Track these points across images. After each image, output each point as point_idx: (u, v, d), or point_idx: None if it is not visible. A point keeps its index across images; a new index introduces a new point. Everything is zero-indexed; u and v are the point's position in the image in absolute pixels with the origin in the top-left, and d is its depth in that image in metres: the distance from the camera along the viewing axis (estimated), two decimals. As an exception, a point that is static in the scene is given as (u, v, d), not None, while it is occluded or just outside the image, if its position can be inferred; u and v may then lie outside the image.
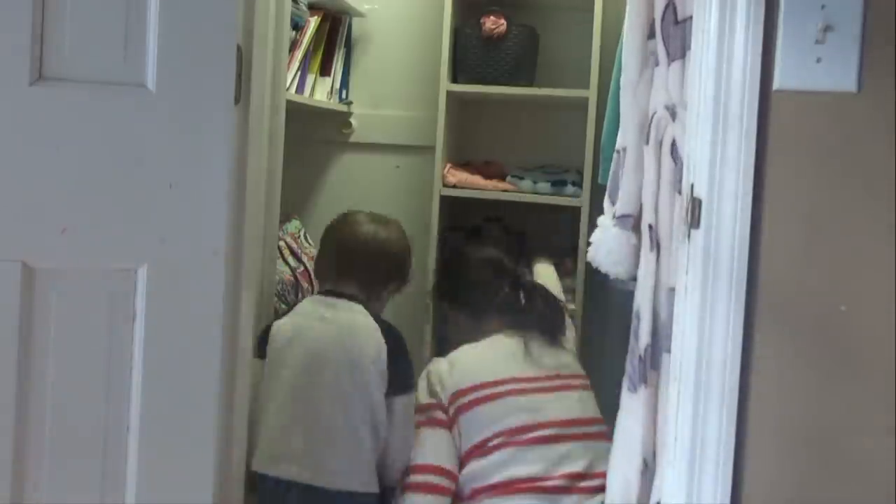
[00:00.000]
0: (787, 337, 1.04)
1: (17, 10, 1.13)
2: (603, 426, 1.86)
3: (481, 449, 1.82)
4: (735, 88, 1.04)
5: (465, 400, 1.86)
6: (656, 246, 1.27)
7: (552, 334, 2.03)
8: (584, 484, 1.76)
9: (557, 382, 1.92)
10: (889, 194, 1.01)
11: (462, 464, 1.84)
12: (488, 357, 1.97)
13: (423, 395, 1.93)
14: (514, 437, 1.81)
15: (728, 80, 1.05)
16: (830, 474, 1.04)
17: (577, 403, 1.90)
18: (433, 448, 1.84)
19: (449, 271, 2.29)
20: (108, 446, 1.21)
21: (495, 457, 1.80)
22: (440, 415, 1.88)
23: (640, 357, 1.30)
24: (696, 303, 1.07)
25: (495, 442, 1.81)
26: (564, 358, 2.01)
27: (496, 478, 1.77)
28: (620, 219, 1.38)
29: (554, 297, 2.16)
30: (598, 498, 1.71)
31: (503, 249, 2.30)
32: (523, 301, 2.06)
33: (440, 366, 1.96)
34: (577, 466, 1.77)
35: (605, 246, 1.39)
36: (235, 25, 1.33)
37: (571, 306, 2.55)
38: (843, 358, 1.03)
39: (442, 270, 2.36)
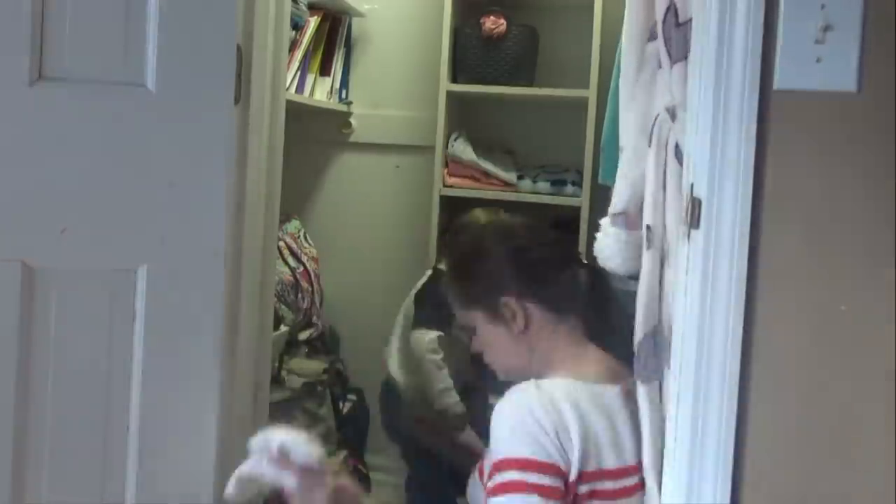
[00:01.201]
0: (787, 337, 1.04)
1: (17, 10, 1.13)
2: None
3: None
4: (735, 88, 1.04)
5: (589, 487, 1.21)
6: (657, 246, 1.28)
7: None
8: None
9: (637, 480, 1.26)
10: (889, 194, 1.00)
11: None
12: (602, 414, 1.26)
13: (521, 444, 1.20)
14: None
15: (728, 80, 1.05)
16: (830, 474, 1.04)
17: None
18: None
19: (494, 247, 1.41)
20: (108, 446, 1.21)
21: None
22: (552, 482, 1.18)
23: (635, 357, 1.30)
24: (696, 303, 1.07)
25: None
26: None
27: None
28: (613, 216, 1.40)
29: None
30: None
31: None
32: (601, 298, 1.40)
33: (541, 410, 1.21)
34: None
35: (599, 243, 1.42)
36: (235, 25, 1.33)
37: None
38: (843, 357, 1.03)
39: (478, 248, 1.43)
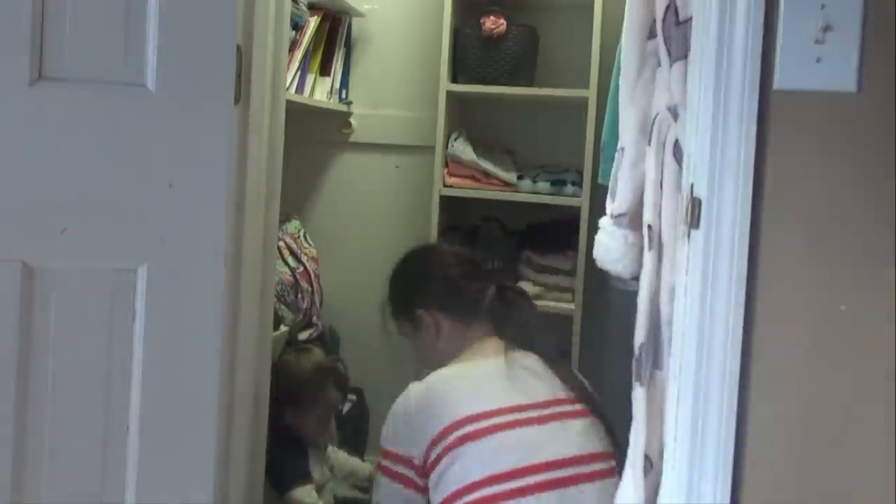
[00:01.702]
0: (787, 337, 1.04)
1: (17, 10, 1.13)
2: (612, 461, 1.55)
3: (469, 497, 1.47)
4: (735, 88, 1.04)
5: (450, 439, 1.51)
6: (656, 246, 1.28)
7: (539, 345, 1.69)
8: None
9: (555, 410, 1.58)
10: (889, 194, 1.00)
11: None
12: (469, 383, 1.61)
13: (389, 439, 1.60)
14: (512, 482, 1.47)
15: (728, 80, 1.05)
16: (830, 474, 1.04)
17: (580, 435, 1.56)
18: (389, 500, 1.59)
19: (418, 270, 1.86)
20: (108, 446, 1.21)
21: None
22: (404, 470, 1.56)
23: (635, 357, 1.30)
24: (696, 303, 1.07)
25: (491, 491, 1.47)
26: (560, 380, 1.64)
27: None
28: (617, 217, 1.39)
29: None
30: None
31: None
32: (510, 304, 1.76)
33: (409, 406, 1.59)
34: None
35: (603, 244, 1.40)
36: (235, 25, 1.33)
37: (570, 305, 2.56)
38: (843, 358, 1.03)
39: (407, 271, 1.88)
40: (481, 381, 1.61)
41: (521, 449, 1.50)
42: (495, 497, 1.46)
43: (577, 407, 1.60)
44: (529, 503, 1.46)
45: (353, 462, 2.34)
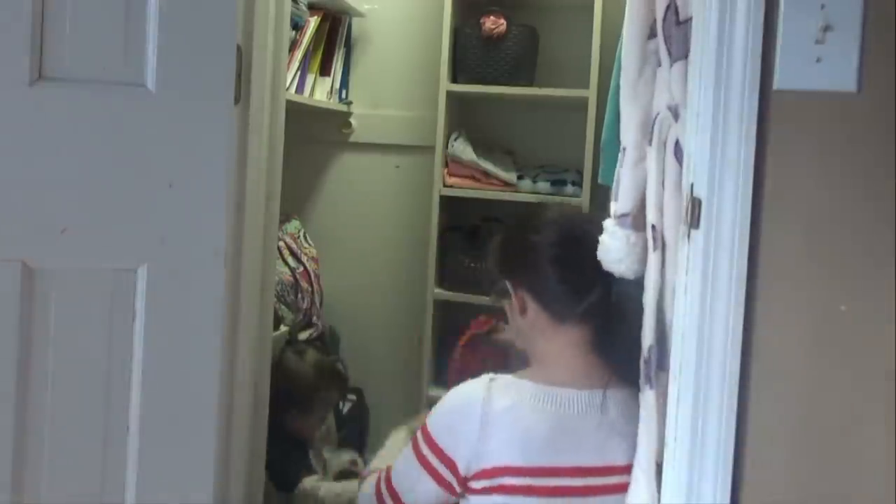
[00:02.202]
0: (787, 337, 1.04)
1: (17, 10, 1.13)
2: None
3: None
4: (735, 88, 1.04)
5: (495, 481, 1.34)
6: (661, 246, 1.27)
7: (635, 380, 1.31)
8: None
9: (618, 480, 1.35)
10: (889, 194, 1.00)
11: None
12: (552, 424, 1.36)
13: (441, 429, 1.40)
14: None
15: (728, 80, 1.05)
16: (830, 474, 1.04)
17: None
18: (408, 479, 1.43)
19: (527, 245, 1.49)
20: (108, 446, 1.21)
21: None
22: (444, 471, 1.37)
23: (644, 359, 1.30)
24: (696, 303, 1.07)
25: None
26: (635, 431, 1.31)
27: None
28: (619, 218, 1.39)
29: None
30: None
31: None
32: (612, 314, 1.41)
33: (472, 410, 1.36)
34: None
35: (605, 245, 1.40)
36: (235, 25, 1.33)
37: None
38: (843, 358, 1.03)
39: (519, 236, 1.55)
40: (566, 427, 1.37)
41: None
42: None
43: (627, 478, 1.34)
44: None
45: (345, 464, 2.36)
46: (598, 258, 1.39)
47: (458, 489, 1.38)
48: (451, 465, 1.37)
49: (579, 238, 1.44)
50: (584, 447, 1.36)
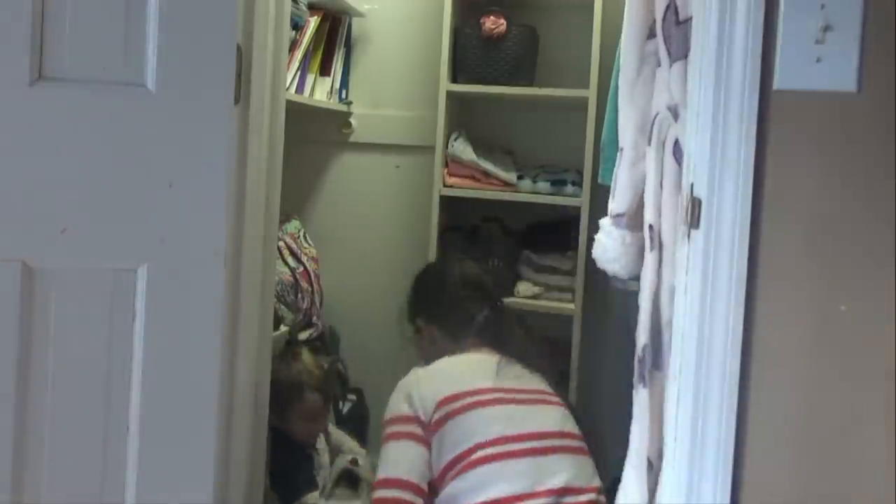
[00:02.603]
0: (787, 337, 1.04)
1: (17, 10, 1.13)
2: (584, 443, 1.77)
3: (462, 463, 1.67)
4: (735, 88, 1.04)
5: (448, 409, 1.72)
6: (657, 246, 1.27)
7: (531, 363, 1.88)
8: (569, 500, 1.64)
9: (538, 396, 1.81)
10: (889, 194, 1.01)
11: (441, 480, 1.69)
12: (465, 367, 1.86)
13: (397, 406, 1.78)
14: (495, 448, 1.67)
15: (728, 80, 1.05)
16: (830, 474, 1.04)
17: (559, 417, 1.78)
18: (397, 461, 1.71)
19: (426, 285, 2.14)
20: (108, 446, 1.21)
21: (478, 472, 1.65)
22: (413, 428, 1.73)
23: (638, 358, 1.30)
24: (696, 303, 1.07)
25: (476, 455, 1.67)
26: (543, 384, 1.85)
27: (485, 496, 1.63)
28: (615, 217, 1.39)
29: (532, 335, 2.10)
30: None
31: (483, 268, 2.24)
32: (501, 326, 1.96)
33: (418, 375, 1.84)
34: (560, 480, 1.65)
35: (601, 244, 1.40)
36: (235, 25, 1.33)
37: (570, 305, 2.56)
38: (843, 358, 1.03)
39: (418, 283, 2.17)
40: (475, 365, 1.86)
41: (504, 420, 1.72)
42: (481, 460, 1.66)
43: (558, 399, 1.84)
44: (509, 465, 1.66)
45: (349, 442, 2.39)
46: (594, 257, 1.40)
47: (426, 437, 1.71)
48: (414, 420, 1.73)
49: (449, 280, 2.08)
50: (493, 375, 1.80)
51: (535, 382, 1.84)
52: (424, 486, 1.69)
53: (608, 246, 1.39)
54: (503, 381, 1.79)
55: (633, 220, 1.38)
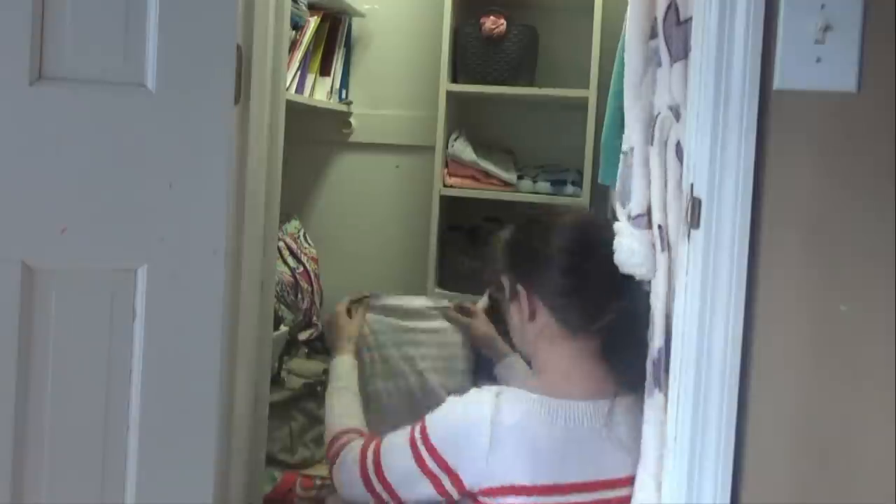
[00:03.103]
0: (787, 337, 1.04)
1: (17, 10, 1.13)
2: None
3: None
4: (735, 88, 1.04)
5: (495, 502, 1.33)
6: (667, 246, 1.27)
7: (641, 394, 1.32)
8: None
9: (617, 494, 1.34)
10: (889, 194, 1.00)
11: None
12: (558, 443, 1.32)
13: (445, 441, 1.35)
14: None
15: (728, 80, 1.05)
16: (830, 475, 1.04)
17: None
18: (406, 487, 1.39)
19: (543, 247, 1.44)
20: (108, 446, 1.21)
21: None
22: (445, 482, 1.35)
23: (653, 361, 1.29)
24: (696, 303, 1.07)
25: None
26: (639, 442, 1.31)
27: None
28: (636, 219, 1.34)
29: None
30: None
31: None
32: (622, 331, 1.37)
33: (480, 425, 1.32)
34: None
35: (626, 247, 1.33)
36: (235, 25, 1.33)
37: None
38: (843, 358, 1.03)
39: (532, 242, 1.47)
40: (575, 442, 1.34)
41: None
42: None
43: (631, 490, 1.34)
44: None
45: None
46: (617, 262, 1.32)
47: (456, 499, 1.36)
48: (454, 478, 1.34)
49: (600, 248, 1.36)
50: (591, 461, 1.34)
51: (631, 461, 1.32)
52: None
53: (635, 249, 1.31)
54: (594, 467, 1.34)
55: (649, 220, 1.34)
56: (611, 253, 1.32)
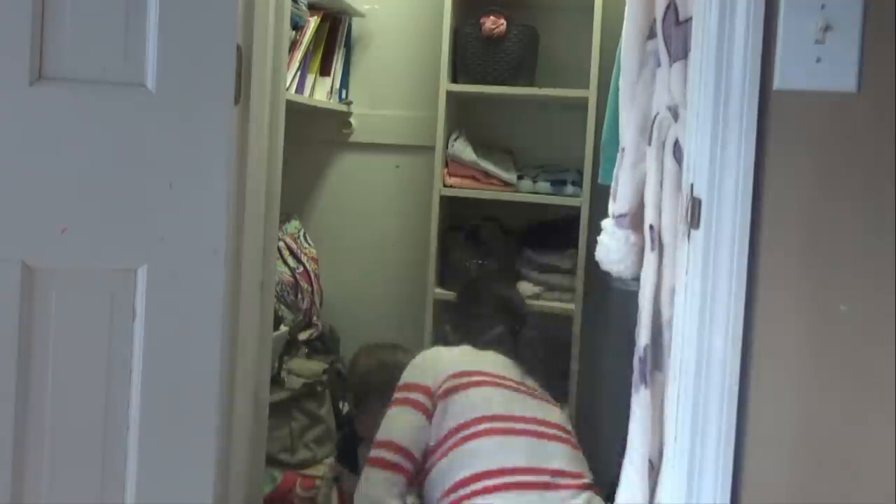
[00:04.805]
0: (787, 337, 1.04)
1: (17, 10, 1.13)
2: (580, 447, 1.86)
3: (463, 433, 1.75)
4: (735, 88, 1.04)
5: (458, 382, 1.82)
6: (658, 246, 1.27)
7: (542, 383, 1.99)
8: (567, 481, 1.71)
9: (545, 398, 1.92)
10: (889, 194, 1.01)
11: (439, 447, 1.76)
12: (488, 357, 1.96)
13: (410, 374, 1.88)
14: (496, 423, 1.76)
15: (728, 80, 1.05)
16: (830, 474, 1.04)
17: (561, 416, 1.89)
18: (398, 427, 1.79)
19: (461, 299, 2.29)
20: (108, 446, 1.21)
21: (479, 443, 1.72)
22: (419, 397, 1.81)
23: (639, 358, 1.30)
24: (696, 303, 1.07)
25: (479, 428, 1.75)
26: (552, 401, 1.95)
27: (483, 466, 1.69)
28: (618, 218, 1.39)
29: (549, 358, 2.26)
30: (584, 496, 1.68)
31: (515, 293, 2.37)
32: (517, 347, 2.06)
33: (440, 351, 1.98)
34: (556, 464, 1.72)
35: (604, 245, 1.40)
36: (235, 25, 1.33)
37: (570, 306, 2.56)
38: (843, 358, 1.03)
39: (457, 297, 2.34)
40: (499, 360, 1.94)
41: (510, 402, 1.81)
42: (482, 433, 1.73)
43: (559, 406, 1.96)
44: (508, 440, 1.73)
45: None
46: (597, 259, 1.39)
47: (429, 408, 1.79)
48: (423, 389, 1.80)
49: (496, 299, 2.20)
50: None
51: (545, 396, 1.92)
52: (415, 452, 1.76)
53: (612, 247, 1.38)
54: (515, 377, 1.89)
55: (635, 220, 1.37)
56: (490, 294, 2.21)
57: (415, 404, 1.80)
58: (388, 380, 2.08)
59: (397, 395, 1.84)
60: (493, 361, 1.94)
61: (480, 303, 2.18)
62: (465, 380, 1.82)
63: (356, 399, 2.26)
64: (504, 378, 1.88)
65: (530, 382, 1.93)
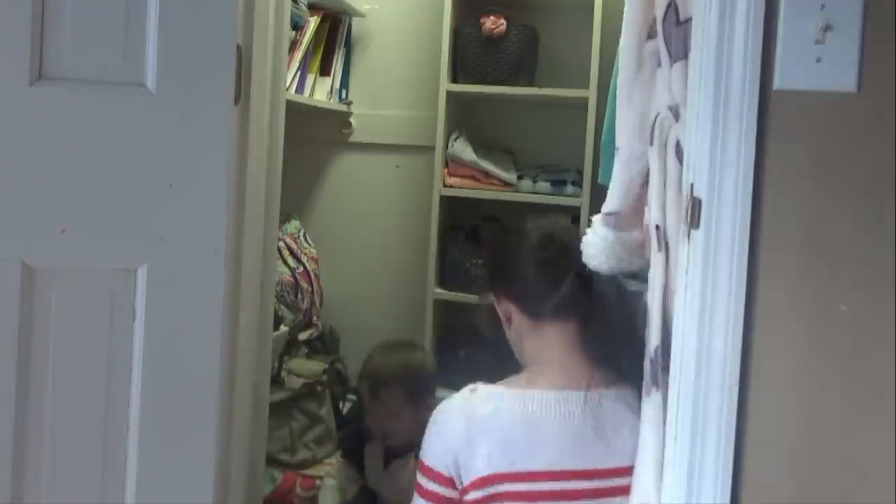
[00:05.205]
0: (787, 337, 1.04)
1: (17, 10, 1.13)
2: None
3: None
4: (735, 88, 1.04)
5: (489, 491, 1.32)
6: (664, 247, 1.27)
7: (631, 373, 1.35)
8: None
9: (600, 485, 1.34)
10: (889, 194, 1.00)
11: None
12: (533, 422, 1.34)
13: (432, 454, 1.38)
14: None
15: (728, 80, 1.05)
16: (830, 474, 1.04)
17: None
18: None
19: (503, 252, 1.59)
20: (108, 446, 1.21)
21: None
22: (446, 491, 1.36)
23: (650, 360, 1.29)
24: (696, 303, 1.07)
25: None
26: (629, 436, 1.33)
27: None
28: (605, 215, 1.40)
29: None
30: None
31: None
32: (590, 302, 1.42)
33: (471, 423, 1.35)
34: None
35: (585, 241, 1.43)
36: (235, 25, 1.33)
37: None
38: (843, 358, 1.03)
39: (495, 252, 1.68)
40: (544, 430, 1.35)
41: None
42: None
43: (626, 481, 1.33)
44: None
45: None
46: (580, 250, 1.41)
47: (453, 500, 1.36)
48: (451, 484, 1.35)
49: (550, 240, 1.51)
50: (572, 449, 1.35)
51: (616, 451, 1.34)
52: None
53: (590, 241, 1.41)
54: (572, 458, 1.34)
55: (626, 219, 1.38)
56: (562, 245, 1.48)
57: (437, 500, 1.37)
58: (405, 376, 2.00)
59: (423, 484, 1.38)
60: (544, 432, 1.34)
61: (540, 253, 1.49)
62: (500, 488, 1.31)
63: (371, 392, 2.14)
64: (562, 474, 1.33)
65: (610, 413, 1.36)
